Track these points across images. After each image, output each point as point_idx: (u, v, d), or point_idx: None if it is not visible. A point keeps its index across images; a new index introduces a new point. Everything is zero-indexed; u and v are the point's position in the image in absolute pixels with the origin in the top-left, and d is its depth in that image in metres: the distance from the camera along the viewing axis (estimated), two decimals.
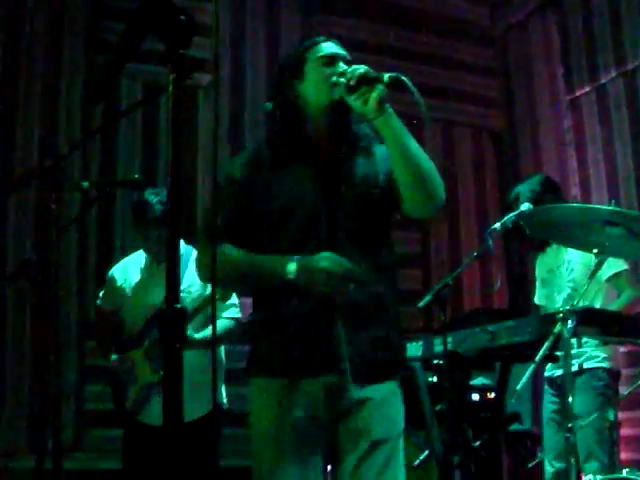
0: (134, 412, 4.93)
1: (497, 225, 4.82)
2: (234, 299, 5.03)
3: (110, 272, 5.32)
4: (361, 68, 2.93)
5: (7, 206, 6.33)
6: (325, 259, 2.88)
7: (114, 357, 5.09)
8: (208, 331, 4.83)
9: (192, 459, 4.56)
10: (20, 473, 5.92)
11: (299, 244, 3.01)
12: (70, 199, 5.59)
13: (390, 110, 2.93)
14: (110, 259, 5.46)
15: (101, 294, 5.34)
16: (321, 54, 3.12)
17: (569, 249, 5.36)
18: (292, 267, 2.89)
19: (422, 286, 7.40)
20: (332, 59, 3.10)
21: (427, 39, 8.37)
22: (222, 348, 5.15)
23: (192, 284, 4.82)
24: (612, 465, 4.90)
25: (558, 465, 5.12)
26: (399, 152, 2.96)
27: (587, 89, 7.65)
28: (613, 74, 7.36)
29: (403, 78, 2.87)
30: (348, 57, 3.15)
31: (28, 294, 6.12)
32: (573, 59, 7.80)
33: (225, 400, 5.13)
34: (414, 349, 5.01)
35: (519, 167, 8.31)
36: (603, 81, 7.46)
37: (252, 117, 7.34)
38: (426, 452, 5.24)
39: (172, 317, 1.70)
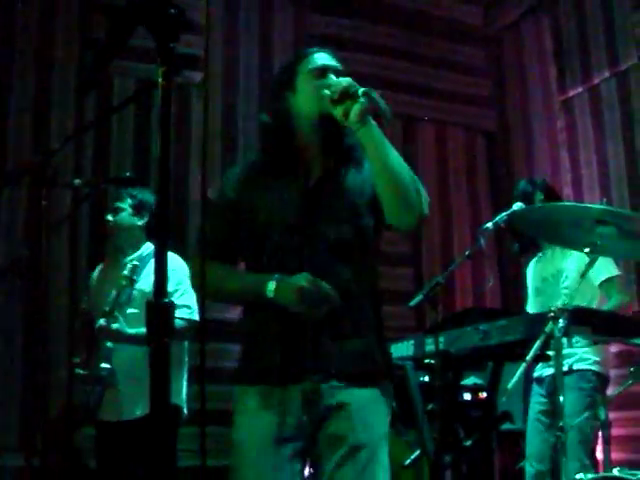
0: (94, 409, 4.93)
1: (489, 224, 4.83)
2: (189, 300, 4.97)
3: (91, 275, 5.40)
4: (344, 81, 2.98)
5: None
6: (302, 279, 2.91)
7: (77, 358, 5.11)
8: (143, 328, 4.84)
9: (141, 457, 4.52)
10: (10, 471, 5.91)
11: (280, 257, 3.04)
12: (62, 196, 5.58)
13: (372, 122, 2.95)
14: (102, 257, 5.45)
15: (85, 298, 5.37)
16: (312, 66, 3.14)
17: (563, 258, 5.36)
18: (271, 286, 2.94)
19: (414, 285, 7.39)
20: (322, 71, 3.11)
21: (420, 39, 8.38)
22: (185, 346, 5.14)
23: (150, 284, 4.81)
24: (593, 465, 4.92)
25: (538, 466, 5.13)
26: (378, 163, 2.97)
27: (580, 90, 7.67)
28: (606, 75, 7.37)
29: (374, 95, 2.91)
30: (340, 68, 3.17)
31: (18, 291, 6.10)
32: (566, 60, 7.81)
33: (184, 399, 5.08)
34: (405, 348, 5.01)
35: (511, 167, 8.33)
36: (596, 82, 7.48)
37: (245, 114, 7.35)
38: (417, 452, 5.23)
39: (159, 311, 1.69)
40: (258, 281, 3.00)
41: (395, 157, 2.97)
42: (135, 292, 4.94)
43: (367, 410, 2.97)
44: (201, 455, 2.14)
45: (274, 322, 3.01)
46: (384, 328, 3.14)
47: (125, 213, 5.11)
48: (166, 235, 1.74)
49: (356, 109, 2.91)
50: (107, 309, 4.88)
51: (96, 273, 5.37)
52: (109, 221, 5.15)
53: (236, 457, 3.03)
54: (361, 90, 2.93)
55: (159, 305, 1.70)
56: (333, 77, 3.08)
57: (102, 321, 4.85)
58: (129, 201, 5.11)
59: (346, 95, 2.93)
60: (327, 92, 2.98)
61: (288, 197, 3.08)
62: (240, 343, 3.19)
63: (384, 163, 2.96)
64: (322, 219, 3.03)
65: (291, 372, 2.96)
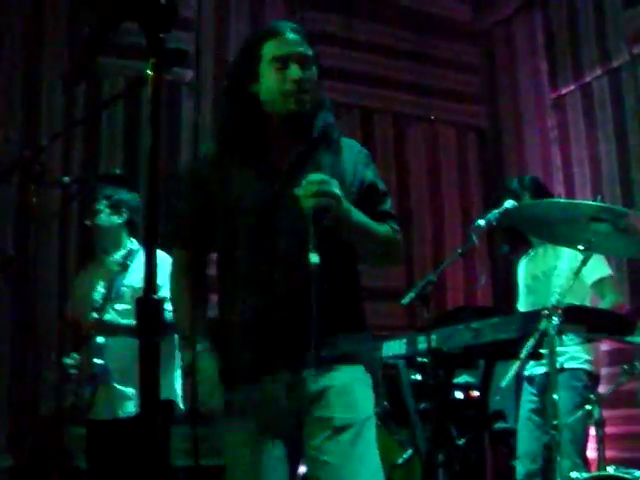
0: (85, 409, 4.92)
1: (481, 222, 4.80)
2: None
3: (74, 281, 5.45)
4: (306, 199, 2.76)
5: None
6: (200, 374, 2.92)
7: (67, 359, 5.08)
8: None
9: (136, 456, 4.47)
10: None
11: (252, 247, 2.98)
12: (51, 194, 5.54)
13: (352, 218, 2.89)
14: (92, 256, 5.42)
15: (70, 302, 5.37)
16: (273, 55, 2.98)
17: (558, 256, 5.35)
18: (187, 357, 2.99)
19: (405, 283, 7.37)
20: (285, 61, 2.96)
21: (411, 36, 8.35)
22: (175, 340, 5.13)
23: (139, 280, 4.79)
24: (584, 464, 4.91)
25: (530, 465, 5.12)
26: (357, 243, 3.02)
27: (572, 87, 7.66)
28: (598, 72, 7.36)
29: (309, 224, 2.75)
30: (306, 52, 3.01)
31: (6, 290, 6.05)
32: (558, 57, 7.81)
33: (178, 394, 5.09)
34: (397, 347, 4.98)
35: (503, 165, 8.32)
36: (588, 79, 7.47)
37: None
38: (410, 450, 5.22)
39: (148, 307, 1.65)
40: (185, 332, 3.05)
41: (374, 236, 3.00)
42: (124, 288, 4.96)
43: (350, 390, 2.92)
44: (194, 454, 2.11)
45: (243, 321, 2.96)
46: (362, 314, 3.11)
47: (103, 214, 5.13)
48: (155, 230, 1.70)
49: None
50: (97, 305, 4.89)
51: (78, 277, 5.40)
52: (88, 225, 5.19)
53: (227, 458, 3.01)
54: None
55: (149, 301, 1.66)
56: (296, 69, 2.94)
57: (94, 314, 4.86)
58: (105, 202, 5.13)
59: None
60: (300, 192, 2.78)
61: (260, 183, 2.99)
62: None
63: (364, 244, 3.02)
64: (291, 207, 2.85)
65: (267, 368, 2.91)
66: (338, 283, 2.99)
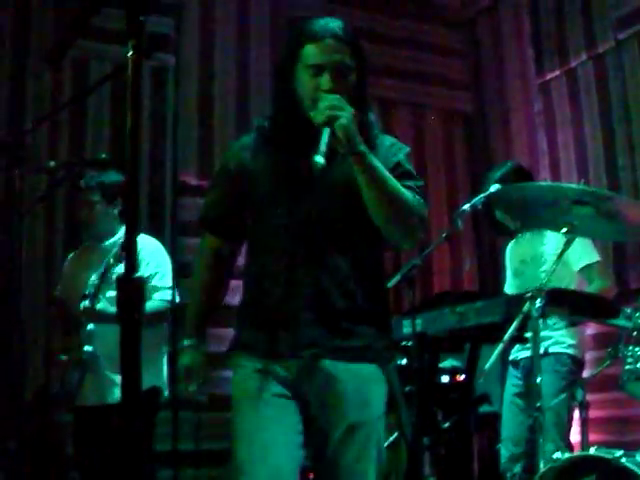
0: (73, 396, 4.93)
1: (467, 206, 4.82)
2: (168, 282, 5.04)
3: (64, 263, 5.45)
4: (319, 114, 2.81)
5: None
6: (185, 357, 3.20)
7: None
8: None
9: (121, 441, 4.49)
10: None
11: (278, 234, 3.01)
12: (37, 179, 5.53)
13: (362, 149, 2.81)
14: (78, 241, 5.42)
15: (58, 286, 5.40)
16: (309, 62, 2.96)
17: (544, 240, 5.35)
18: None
19: (391, 268, 7.37)
20: (319, 69, 2.95)
21: (397, 21, 8.34)
22: (164, 328, 5.13)
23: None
24: (567, 447, 4.94)
25: (514, 449, 5.14)
26: (372, 193, 2.87)
27: (557, 72, 7.67)
28: (583, 58, 7.38)
29: (324, 130, 2.77)
30: (342, 60, 2.97)
31: None
32: (543, 42, 7.81)
33: (165, 381, 5.09)
34: None
35: (489, 150, 8.32)
36: (573, 64, 7.48)
37: (221, 98, 7.30)
38: (395, 434, 5.23)
39: (130, 286, 1.66)
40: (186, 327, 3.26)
41: (391, 186, 2.88)
42: (115, 276, 4.93)
43: (365, 388, 2.96)
44: (173, 440, 2.11)
45: (270, 296, 2.99)
46: (386, 308, 3.14)
47: (99, 206, 5.13)
48: (136, 210, 1.71)
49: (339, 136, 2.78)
50: (87, 292, 4.88)
51: (69, 261, 5.40)
52: (85, 216, 5.18)
53: (235, 413, 3.02)
54: (338, 124, 2.77)
55: (130, 280, 1.66)
56: (327, 80, 2.91)
57: (87, 303, 4.85)
58: (100, 192, 5.12)
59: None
60: (318, 118, 2.80)
61: (291, 173, 3.02)
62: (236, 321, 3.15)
63: (379, 194, 2.87)
64: (321, 198, 2.98)
65: (285, 347, 2.94)
66: (367, 277, 3.03)
